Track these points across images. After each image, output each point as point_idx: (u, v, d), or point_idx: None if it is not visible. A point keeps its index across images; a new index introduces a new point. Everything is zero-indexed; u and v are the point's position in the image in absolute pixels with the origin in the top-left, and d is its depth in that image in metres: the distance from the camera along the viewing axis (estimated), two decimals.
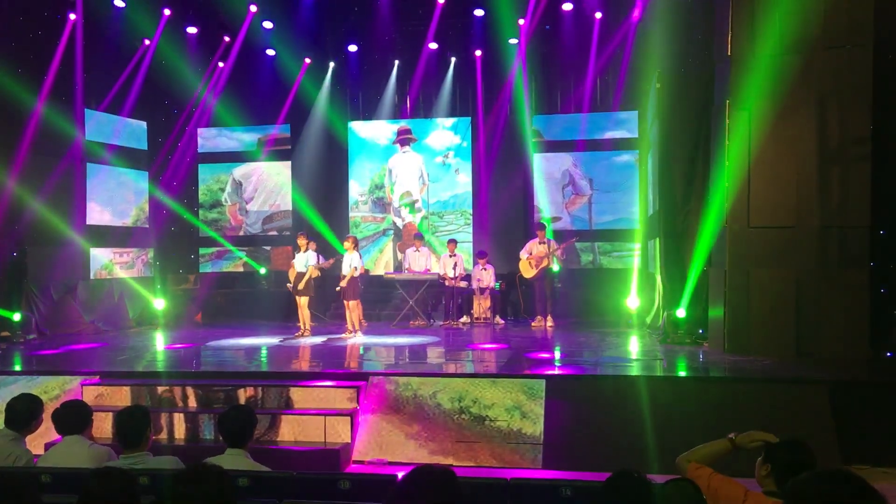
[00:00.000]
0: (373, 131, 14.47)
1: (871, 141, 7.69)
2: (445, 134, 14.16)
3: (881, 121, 7.77)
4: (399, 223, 14.36)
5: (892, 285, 7.98)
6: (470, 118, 13.98)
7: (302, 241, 10.67)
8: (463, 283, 12.05)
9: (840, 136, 7.75)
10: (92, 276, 12.22)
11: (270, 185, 14.64)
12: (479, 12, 12.69)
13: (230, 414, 4.10)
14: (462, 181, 14.04)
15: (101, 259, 12.45)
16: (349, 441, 6.70)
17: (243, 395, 7.12)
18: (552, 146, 13.70)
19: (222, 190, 14.80)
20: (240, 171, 14.74)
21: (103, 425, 6.87)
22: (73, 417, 4.26)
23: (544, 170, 13.67)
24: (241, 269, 14.62)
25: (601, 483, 3.52)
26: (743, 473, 3.19)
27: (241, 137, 14.73)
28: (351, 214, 14.49)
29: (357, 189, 14.54)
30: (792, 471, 2.94)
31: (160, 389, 7.27)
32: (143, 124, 13.44)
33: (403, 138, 14.29)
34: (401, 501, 1.96)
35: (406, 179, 14.33)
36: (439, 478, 1.99)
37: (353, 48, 13.93)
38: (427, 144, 14.23)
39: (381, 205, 14.47)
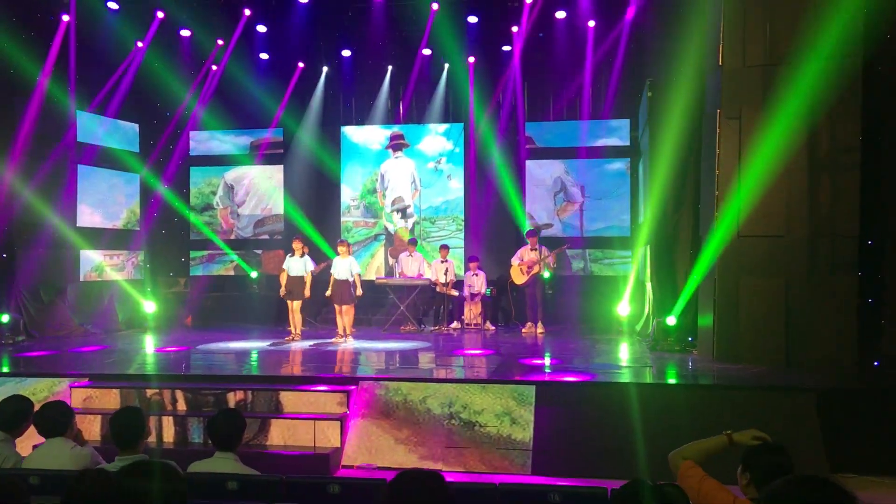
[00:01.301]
0: (365, 136, 14.49)
1: (861, 151, 7.75)
2: (438, 140, 14.19)
3: (870, 131, 7.83)
4: (391, 228, 14.37)
5: (880, 294, 8.03)
6: (463, 124, 14.02)
7: (298, 246, 10.65)
8: (454, 292, 12.06)
9: (830, 146, 7.81)
10: (82, 278, 12.17)
11: (262, 188, 14.62)
12: (472, 19, 12.73)
13: (219, 417, 4.11)
14: (454, 187, 14.07)
15: (92, 261, 12.40)
16: (339, 445, 6.69)
17: (233, 398, 7.10)
18: (544, 153, 13.75)
19: (214, 193, 14.77)
20: (231, 174, 14.72)
21: (92, 427, 6.85)
22: (54, 419, 4.25)
23: (536, 176, 13.72)
24: (232, 273, 14.59)
25: (590, 489, 3.54)
26: (734, 480, 3.20)
27: (233, 141, 14.72)
28: (342, 219, 14.49)
29: (349, 194, 14.55)
30: (771, 476, 2.96)
31: (149, 392, 7.24)
32: (136, 126, 13.40)
33: (396, 143, 14.31)
34: None
35: (398, 185, 14.35)
36: (428, 482, 1.99)
37: (346, 53, 13.95)
38: (419, 150, 14.26)
39: (373, 210, 14.47)
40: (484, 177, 13.73)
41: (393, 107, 14.45)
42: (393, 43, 13.51)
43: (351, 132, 14.53)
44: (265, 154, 14.56)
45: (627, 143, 13.29)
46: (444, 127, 14.14)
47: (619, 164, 13.38)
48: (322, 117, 14.41)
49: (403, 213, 14.32)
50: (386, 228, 14.40)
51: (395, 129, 14.33)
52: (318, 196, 14.44)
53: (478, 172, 13.78)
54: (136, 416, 4.11)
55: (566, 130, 13.63)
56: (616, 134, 13.40)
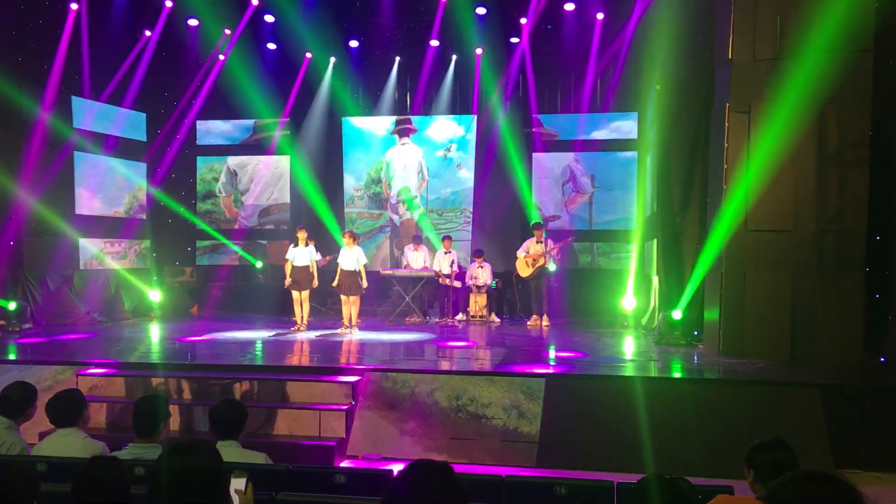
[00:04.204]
0: (371, 122, 14.40)
1: (870, 146, 7.72)
2: (448, 125, 14.08)
3: (880, 126, 7.79)
4: (396, 220, 14.34)
5: (887, 290, 8.01)
6: (470, 116, 13.97)
7: (302, 235, 10.65)
8: (457, 283, 12.05)
9: (839, 141, 7.77)
10: (82, 266, 12.17)
11: (268, 177, 14.58)
12: (481, 10, 12.68)
13: (221, 407, 4.13)
14: (464, 176, 13.99)
15: (91, 249, 12.38)
16: (343, 436, 6.71)
17: (239, 388, 7.12)
18: (552, 145, 13.71)
19: (216, 179, 14.67)
20: (235, 159, 14.64)
21: (97, 416, 6.88)
22: (67, 408, 4.23)
23: (544, 168, 13.68)
24: (238, 263, 14.59)
25: (596, 482, 3.55)
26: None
27: (240, 131, 14.69)
28: (347, 210, 14.45)
29: (352, 184, 14.49)
30: (775, 471, 2.94)
31: (155, 381, 7.27)
32: (143, 115, 13.40)
33: (403, 129, 14.22)
34: (398, 496, 1.96)
35: (404, 174, 14.29)
36: (437, 472, 1.98)
37: (354, 44, 13.92)
38: (428, 136, 14.17)
39: (378, 200, 14.44)
40: (492, 169, 13.69)
41: (400, 98, 14.42)
42: (401, 34, 13.48)
43: (356, 120, 14.46)
44: (272, 143, 14.52)
45: (635, 137, 13.25)
46: (451, 118, 14.09)
47: (627, 157, 13.33)
48: (329, 107, 14.38)
49: (410, 204, 14.28)
50: (391, 220, 14.37)
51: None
52: (324, 186, 14.40)
53: (486, 164, 13.74)
54: (160, 404, 4.13)
55: (573, 123, 13.59)
56: (624, 127, 13.36)
